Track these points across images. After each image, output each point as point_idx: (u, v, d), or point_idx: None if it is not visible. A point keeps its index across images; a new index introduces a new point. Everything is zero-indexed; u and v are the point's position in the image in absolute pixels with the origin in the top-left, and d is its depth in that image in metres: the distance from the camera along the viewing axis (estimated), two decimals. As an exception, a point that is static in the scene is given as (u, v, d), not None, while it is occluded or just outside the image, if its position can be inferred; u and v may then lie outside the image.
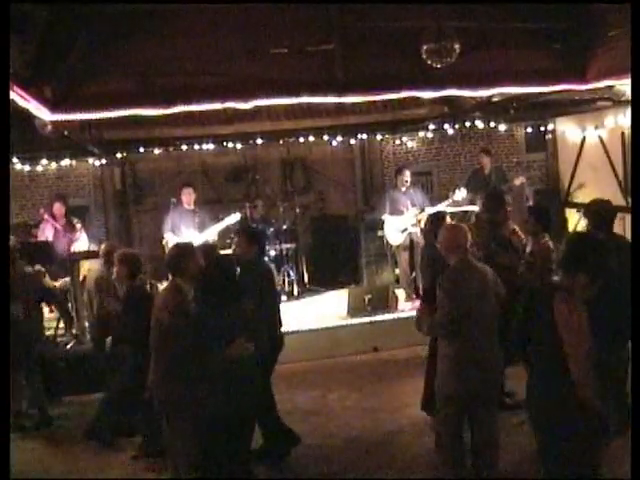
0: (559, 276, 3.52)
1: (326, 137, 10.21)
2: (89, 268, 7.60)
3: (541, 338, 3.43)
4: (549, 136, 11.79)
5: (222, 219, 8.85)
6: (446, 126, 10.02)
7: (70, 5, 5.58)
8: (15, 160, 9.31)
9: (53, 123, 6.44)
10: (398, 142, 11.62)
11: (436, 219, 5.77)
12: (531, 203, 10.70)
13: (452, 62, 6.12)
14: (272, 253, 9.86)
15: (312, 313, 9.06)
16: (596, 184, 10.12)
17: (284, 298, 9.65)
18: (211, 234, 8.75)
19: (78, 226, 8.82)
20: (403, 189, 9.40)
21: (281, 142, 10.48)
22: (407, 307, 8.78)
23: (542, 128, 11.63)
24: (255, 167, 11.12)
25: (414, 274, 9.26)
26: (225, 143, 9.83)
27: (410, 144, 11.63)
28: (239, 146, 10.10)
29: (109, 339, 5.82)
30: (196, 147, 9.72)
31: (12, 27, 4.27)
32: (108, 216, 11.13)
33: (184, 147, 9.74)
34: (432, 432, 5.31)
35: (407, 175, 9.43)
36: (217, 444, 4.08)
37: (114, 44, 6.41)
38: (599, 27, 6.85)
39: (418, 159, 11.73)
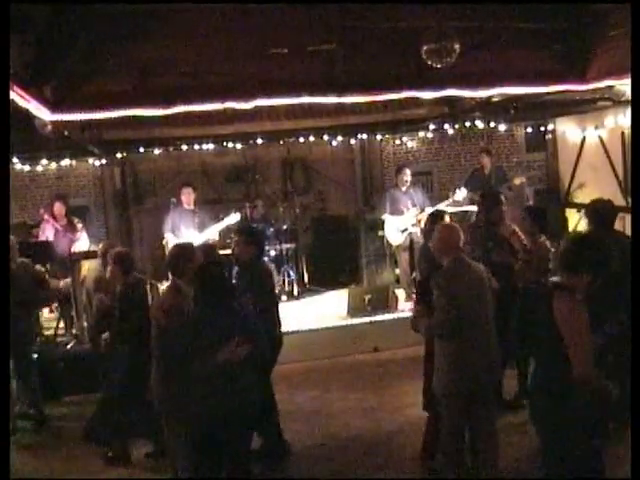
0: (559, 275, 3.51)
1: (326, 137, 10.20)
2: (89, 268, 7.60)
3: (541, 338, 3.43)
4: (549, 136, 11.79)
5: (222, 219, 8.86)
6: (446, 126, 10.02)
7: (70, 5, 5.58)
8: (15, 160, 9.30)
9: (53, 123, 6.43)
10: (398, 142, 11.61)
11: (436, 218, 5.77)
12: (531, 203, 10.72)
13: (452, 62, 6.11)
14: (272, 253, 9.88)
15: (312, 313, 9.07)
16: (596, 184, 10.12)
17: (284, 298, 9.67)
18: (211, 234, 8.75)
19: (79, 226, 8.81)
20: (403, 189, 9.40)
21: (281, 142, 10.47)
22: (407, 307, 8.76)
23: (542, 128, 11.63)
24: (255, 167, 11.11)
25: (414, 274, 9.24)
26: (225, 143, 9.83)
27: (410, 144, 11.62)
28: (239, 146, 10.09)
29: (105, 336, 5.78)
30: (196, 147, 9.72)
31: (12, 27, 4.26)
32: (108, 216, 11.13)
33: (184, 147, 9.73)
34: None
35: (407, 174, 9.43)
36: (214, 445, 4.07)
37: (114, 44, 6.40)
38: (599, 27, 6.86)
39: (418, 159, 11.72)
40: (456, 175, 11.60)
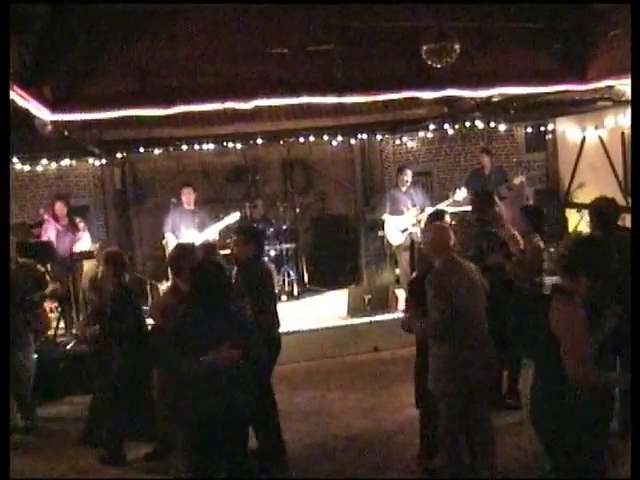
0: (559, 278, 3.50)
1: (326, 137, 10.21)
2: (89, 268, 7.61)
3: (538, 339, 3.42)
4: (549, 136, 11.80)
5: (222, 219, 8.86)
6: (446, 126, 10.03)
7: (70, 5, 5.59)
8: (15, 160, 9.31)
9: (53, 123, 6.44)
10: (398, 142, 11.61)
11: (436, 218, 5.77)
12: (531, 203, 10.71)
13: (452, 62, 6.12)
14: (272, 253, 9.88)
15: (312, 313, 9.07)
16: (596, 184, 10.11)
17: (284, 298, 9.67)
18: (211, 234, 8.75)
19: (81, 225, 8.80)
20: (404, 189, 9.40)
21: (281, 142, 10.48)
22: (407, 307, 8.77)
23: (542, 128, 11.63)
24: (255, 167, 11.11)
25: (414, 274, 9.24)
26: (225, 143, 9.84)
27: (410, 144, 11.62)
28: (239, 146, 10.11)
29: (91, 331, 5.72)
30: (196, 147, 9.73)
31: (12, 27, 4.27)
32: (108, 216, 11.13)
33: (184, 147, 9.75)
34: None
35: (409, 175, 9.42)
36: (213, 445, 4.05)
37: (114, 44, 6.42)
38: (599, 27, 6.85)
39: (418, 159, 11.72)
40: (456, 175, 11.60)
